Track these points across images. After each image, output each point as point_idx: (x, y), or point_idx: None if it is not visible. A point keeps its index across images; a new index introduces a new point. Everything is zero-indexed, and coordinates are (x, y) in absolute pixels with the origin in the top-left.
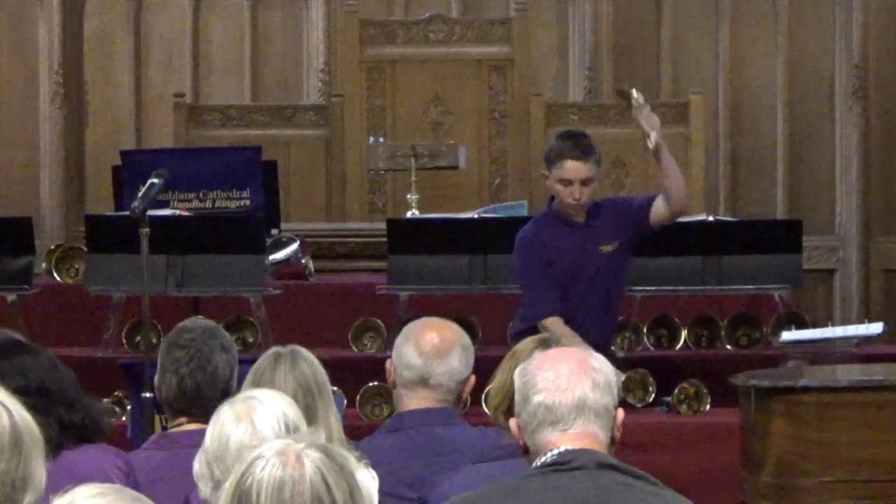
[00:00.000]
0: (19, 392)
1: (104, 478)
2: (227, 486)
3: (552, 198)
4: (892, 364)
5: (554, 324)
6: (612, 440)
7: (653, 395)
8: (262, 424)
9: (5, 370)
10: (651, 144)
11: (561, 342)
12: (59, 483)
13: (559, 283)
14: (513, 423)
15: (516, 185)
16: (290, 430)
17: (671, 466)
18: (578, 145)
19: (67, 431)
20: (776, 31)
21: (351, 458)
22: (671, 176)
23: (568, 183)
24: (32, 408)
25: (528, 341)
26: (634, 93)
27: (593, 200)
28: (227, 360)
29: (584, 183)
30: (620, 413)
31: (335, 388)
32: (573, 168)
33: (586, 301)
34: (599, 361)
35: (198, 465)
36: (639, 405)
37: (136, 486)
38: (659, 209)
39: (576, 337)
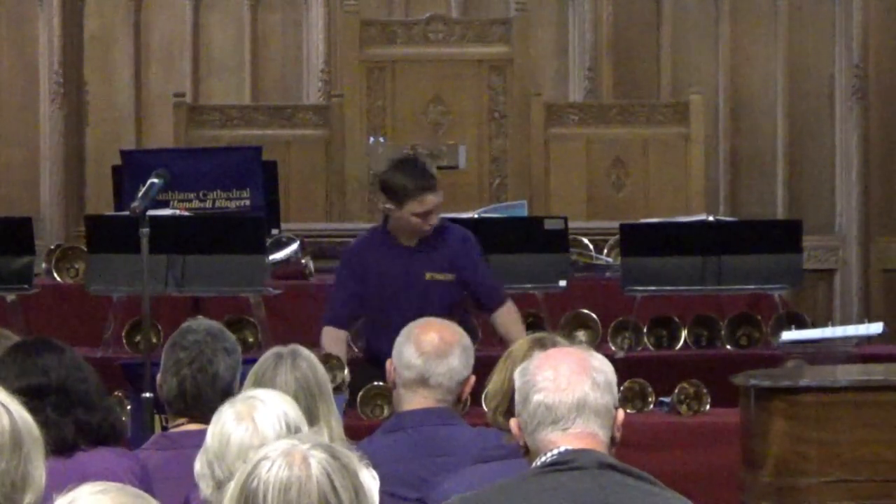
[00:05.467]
0: (39, 390)
1: (116, 480)
2: (233, 486)
3: (386, 217)
4: (892, 364)
5: (327, 332)
6: (613, 440)
7: (651, 405)
8: (263, 424)
9: (28, 367)
10: None
11: (556, 341)
12: (71, 483)
13: (379, 305)
14: (513, 423)
15: (516, 185)
16: (291, 429)
17: (671, 466)
18: (429, 177)
19: (83, 432)
20: (776, 31)
21: (355, 459)
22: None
23: (426, 214)
24: (51, 406)
25: (523, 341)
26: None
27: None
28: (230, 363)
29: (436, 210)
30: (621, 413)
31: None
32: (432, 200)
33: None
34: (600, 361)
35: (199, 465)
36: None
37: (149, 490)
38: (493, 319)
39: (340, 355)
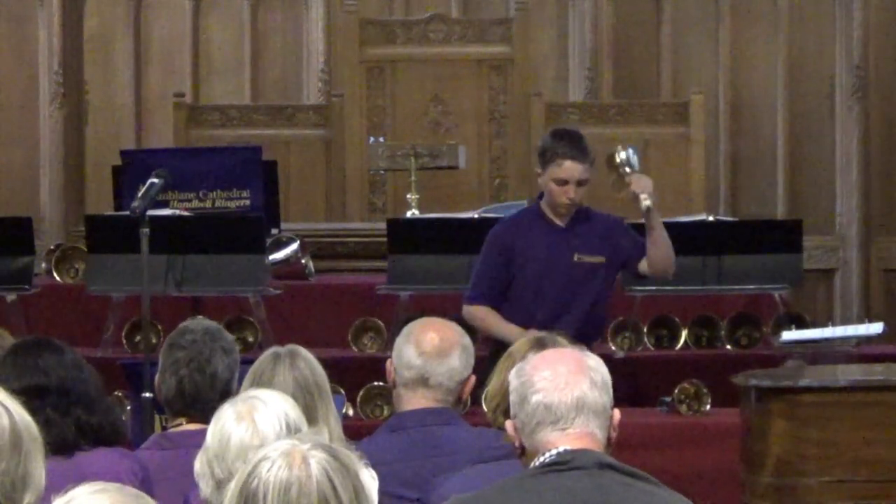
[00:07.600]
0: (39, 390)
1: (116, 480)
2: (233, 486)
3: (541, 195)
4: (892, 364)
5: (478, 310)
6: (609, 441)
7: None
8: (263, 424)
9: (28, 367)
10: (643, 207)
11: (557, 342)
12: (71, 483)
13: (526, 285)
14: (509, 424)
15: (516, 185)
16: (291, 429)
17: (671, 466)
18: (577, 146)
19: (84, 433)
20: (776, 31)
21: (355, 459)
22: (658, 247)
23: (563, 182)
24: (51, 406)
25: (522, 342)
26: (619, 156)
27: (586, 207)
28: (228, 363)
29: (580, 183)
30: (617, 413)
31: (339, 387)
32: (571, 168)
33: (556, 305)
34: (596, 361)
35: (198, 465)
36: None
37: (150, 491)
38: (644, 266)
39: (500, 325)
